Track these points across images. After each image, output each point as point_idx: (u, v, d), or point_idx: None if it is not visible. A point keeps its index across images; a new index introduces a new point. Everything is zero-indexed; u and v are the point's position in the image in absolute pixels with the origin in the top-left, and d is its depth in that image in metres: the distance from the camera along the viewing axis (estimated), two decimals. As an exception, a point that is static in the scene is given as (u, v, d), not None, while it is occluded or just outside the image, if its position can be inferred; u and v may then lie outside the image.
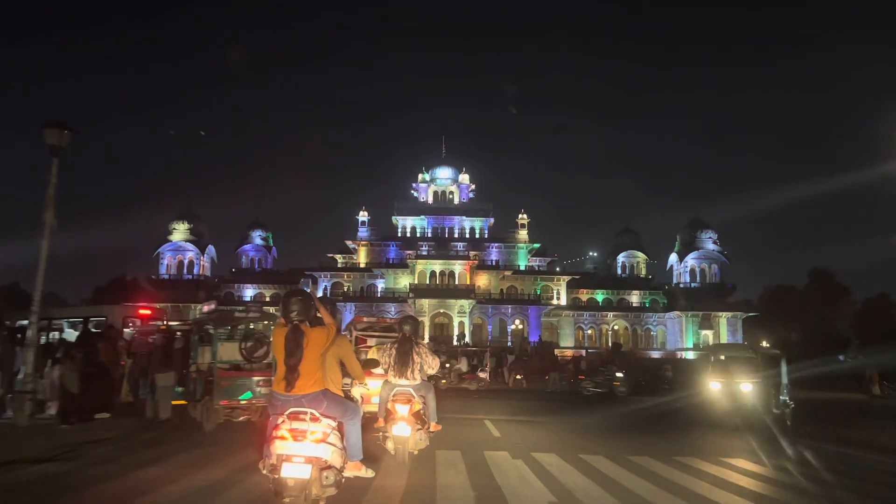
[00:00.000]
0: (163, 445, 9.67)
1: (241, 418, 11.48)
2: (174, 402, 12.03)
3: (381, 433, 7.92)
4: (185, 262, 72.92)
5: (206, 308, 11.81)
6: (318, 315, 5.21)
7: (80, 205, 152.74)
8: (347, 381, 6.63)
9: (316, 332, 5.08)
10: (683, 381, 31.29)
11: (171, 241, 72.69)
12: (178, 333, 13.05)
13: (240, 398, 11.22)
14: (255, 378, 11.43)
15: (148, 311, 20.21)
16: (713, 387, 16.79)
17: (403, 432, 7.58)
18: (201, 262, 72.95)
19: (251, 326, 12.88)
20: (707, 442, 11.67)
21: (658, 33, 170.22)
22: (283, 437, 4.88)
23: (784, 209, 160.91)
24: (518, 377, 28.56)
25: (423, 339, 13.77)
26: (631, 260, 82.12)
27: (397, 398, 7.77)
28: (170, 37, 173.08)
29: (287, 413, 4.96)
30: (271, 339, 6.35)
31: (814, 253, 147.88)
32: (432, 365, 8.08)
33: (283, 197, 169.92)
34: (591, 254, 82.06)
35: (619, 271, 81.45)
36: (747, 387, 15.45)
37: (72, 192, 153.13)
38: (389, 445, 7.79)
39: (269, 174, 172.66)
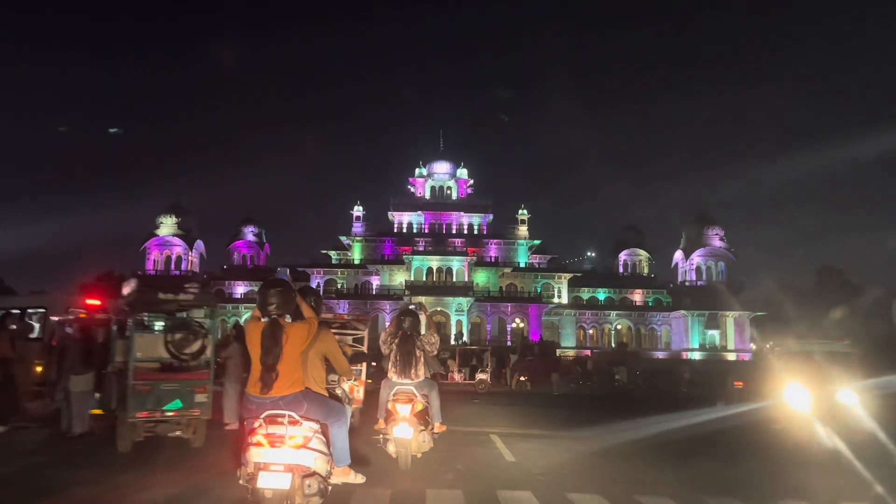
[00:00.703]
0: (60, 470, 7.31)
1: (171, 434, 8.89)
2: (93, 412, 9.40)
3: (381, 435, 7.45)
4: (173, 257, 70.27)
5: (125, 288, 8.96)
6: (299, 309, 4.69)
7: (69, 199, 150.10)
8: (334, 377, 6.18)
9: (296, 328, 4.58)
10: (703, 384, 28.80)
11: (157, 235, 69.90)
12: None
13: (165, 408, 8.61)
14: (189, 381, 8.79)
15: (97, 301, 17.28)
16: (794, 394, 12.42)
17: (405, 434, 7.09)
18: (189, 258, 70.27)
19: (185, 315, 10.13)
20: (809, 481, 8.20)
21: (665, 22, 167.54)
22: (258, 444, 4.44)
23: (793, 204, 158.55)
24: (522, 379, 26.03)
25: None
26: (633, 258, 79.76)
27: (398, 398, 7.29)
28: (158, 28, 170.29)
29: (263, 417, 4.49)
30: (232, 336, 5.65)
31: (824, 249, 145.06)
32: (433, 343, 7.59)
33: (277, 192, 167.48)
34: (588, 254, 79.40)
35: (621, 269, 79.09)
36: (850, 396, 11.44)
37: (60, 185, 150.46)
38: (391, 448, 7.30)
39: (263, 168, 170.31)
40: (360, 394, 10.86)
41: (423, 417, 7.41)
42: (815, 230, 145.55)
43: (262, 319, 4.55)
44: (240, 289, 75.05)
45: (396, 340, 7.48)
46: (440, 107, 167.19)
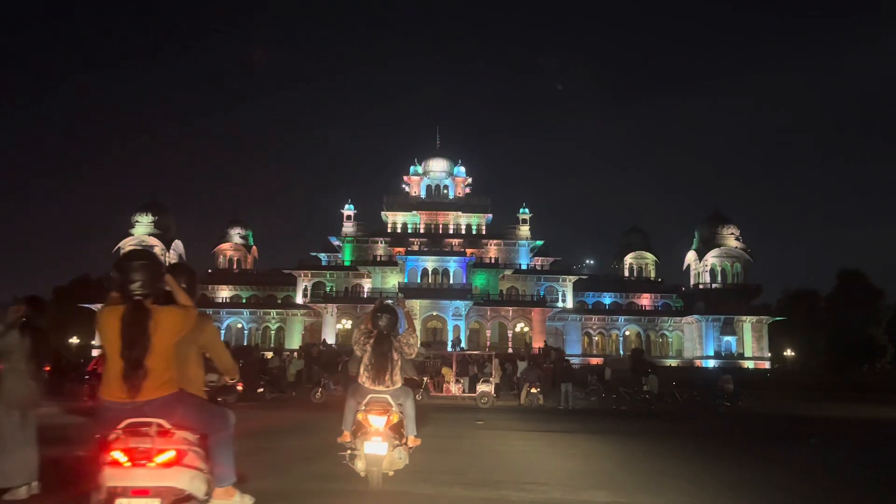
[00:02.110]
0: None
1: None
2: None
3: (348, 451, 6.33)
4: (149, 258, 65.27)
5: None
6: (169, 290, 3.71)
7: (42, 200, 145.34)
8: (214, 377, 4.64)
9: (167, 314, 3.60)
10: (747, 397, 24.16)
11: (132, 235, 65.12)
12: None
13: None
14: None
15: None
16: None
17: (378, 450, 6.07)
18: (167, 259, 65.30)
19: None
20: None
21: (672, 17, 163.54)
22: (116, 463, 3.35)
23: (809, 203, 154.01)
24: (533, 391, 21.34)
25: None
26: (640, 261, 75.81)
27: (371, 408, 6.17)
28: (146, 26, 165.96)
29: (123, 427, 3.43)
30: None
31: (843, 251, 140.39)
32: (411, 345, 6.46)
33: (266, 192, 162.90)
34: (587, 262, 74.72)
35: (627, 273, 74.87)
36: None
37: (35, 186, 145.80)
38: (359, 466, 6.22)
39: (250, 168, 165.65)
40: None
41: (399, 430, 6.39)
42: (836, 231, 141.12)
43: (122, 303, 3.56)
44: (224, 293, 70.82)
45: (371, 341, 6.45)
46: (436, 102, 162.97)
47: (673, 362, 61.46)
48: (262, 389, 21.37)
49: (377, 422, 6.15)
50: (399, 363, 6.42)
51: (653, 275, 75.39)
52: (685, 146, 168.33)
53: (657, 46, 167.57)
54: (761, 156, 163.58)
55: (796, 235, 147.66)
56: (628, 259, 75.63)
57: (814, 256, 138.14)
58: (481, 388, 21.14)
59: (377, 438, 6.10)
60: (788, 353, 67.67)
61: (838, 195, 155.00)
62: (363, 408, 6.27)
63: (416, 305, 60.08)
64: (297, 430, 13.20)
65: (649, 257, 76.09)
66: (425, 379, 22.41)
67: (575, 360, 53.15)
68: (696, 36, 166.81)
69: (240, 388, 20.17)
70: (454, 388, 22.22)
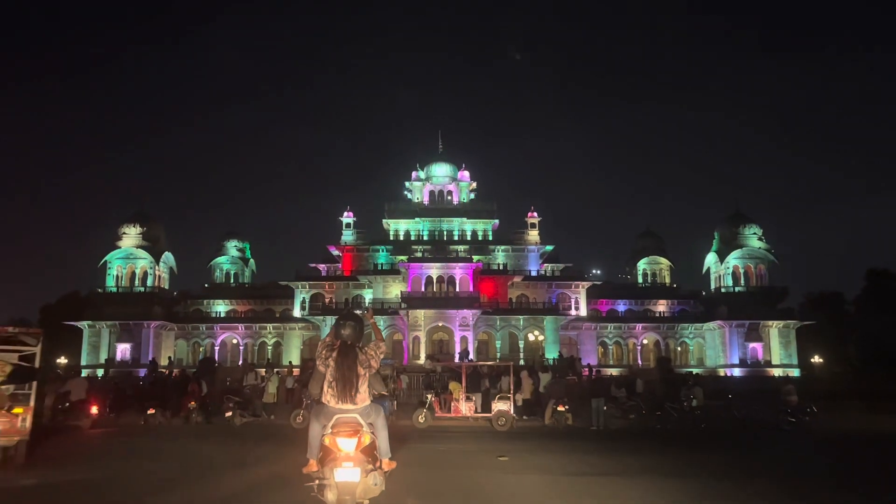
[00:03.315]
0: None
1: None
2: None
3: (316, 481, 5.63)
4: (137, 272, 61.80)
5: None
6: None
7: (27, 215, 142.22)
8: None
9: None
10: (810, 410, 20.30)
11: (119, 247, 61.54)
12: None
13: None
14: None
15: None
16: None
17: (350, 477, 5.46)
18: (157, 272, 61.83)
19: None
20: None
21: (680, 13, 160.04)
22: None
23: (829, 201, 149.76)
24: (561, 409, 17.62)
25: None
26: (653, 266, 72.02)
27: (339, 430, 5.61)
28: (131, 25, 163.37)
29: None
30: None
31: (868, 251, 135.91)
32: (379, 357, 5.92)
33: (263, 203, 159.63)
34: (594, 271, 70.69)
35: (640, 280, 71.02)
36: None
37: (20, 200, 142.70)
38: (330, 497, 5.50)
39: (246, 179, 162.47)
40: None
41: (371, 453, 5.71)
42: (859, 231, 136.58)
43: None
44: (221, 308, 67.42)
45: (334, 354, 5.78)
46: (438, 105, 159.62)
47: (695, 371, 57.46)
48: (230, 413, 17.72)
49: (347, 445, 5.62)
50: (366, 377, 5.85)
51: (667, 280, 71.55)
52: (697, 147, 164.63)
53: (665, 45, 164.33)
54: (777, 154, 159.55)
55: (816, 235, 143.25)
56: (641, 265, 71.83)
57: (836, 257, 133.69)
58: (498, 406, 17.41)
59: (348, 464, 5.55)
60: (816, 359, 63.72)
61: (861, 192, 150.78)
62: (329, 430, 5.70)
63: (420, 315, 56.35)
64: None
65: (664, 262, 72.30)
66: (429, 397, 18.69)
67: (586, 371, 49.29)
68: (704, 32, 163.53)
69: (94, 410, 16.75)
70: (464, 407, 18.45)
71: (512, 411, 17.80)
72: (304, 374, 34.26)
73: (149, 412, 18.43)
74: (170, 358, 48.49)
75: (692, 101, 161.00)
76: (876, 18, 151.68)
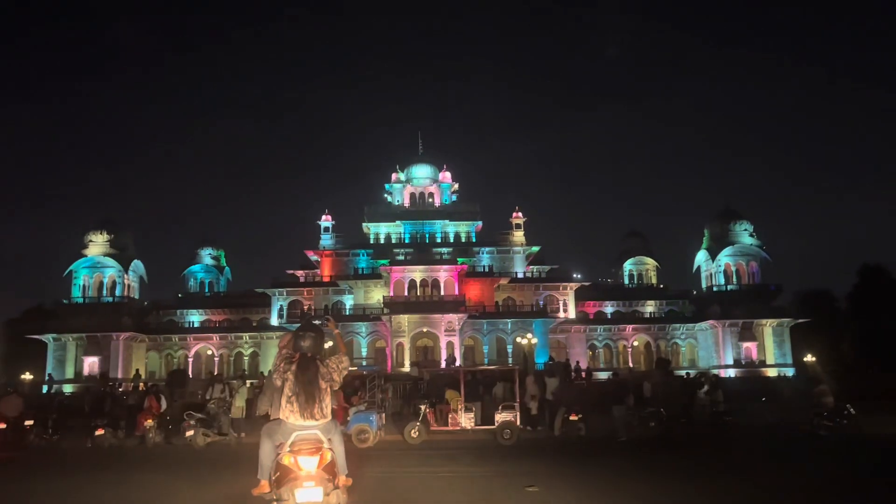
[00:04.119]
0: None
1: None
2: None
3: (272, 503, 5.33)
4: (105, 281, 58.80)
5: None
6: None
7: None
8: None
9: None
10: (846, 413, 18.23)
11: (86, 255, 58.54)
12: None
13: None
14: None
15: None
16: None
17: (314, 497, 5.17)
18: (125, 281, 58.87)
19: None
20: None
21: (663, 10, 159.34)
22: None
23: (816, 197, 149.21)
24: (573, 418, 15.41)
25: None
26: (640, 267, 70.43)
27: (300, 447, 5.30)
28: (90, 28, 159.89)
29: None
30: None
31: (866, 245, 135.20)
32: (342, 370, 5.60)
33: (237, 210, 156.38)
34: (575, 275, 68.48)
35: (626, 281, 69.30)
36: None
37: None
38: None
39: (219, 184, 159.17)
40: None
41: (332, 471, 5.38)
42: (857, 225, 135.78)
43: None
44: (195, 317, 64.57)
45: (293, 367, 5.48)
46: (418, 106, 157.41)
47: (686, 373, 55.64)
48: (191, 432, 15.28)
49: (308, 464, 5.25)
50: (328, 392, 5.57)
51: (654, 281, 69.94)
52: (681, 147, 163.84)
53: (649, 42, 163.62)
54: (762, 152, 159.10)
55: (803, 233, 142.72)
56: (628, 265, 70.15)
57: (824, 254, 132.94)
58: (502, 417, 15.14)
59: (309, 484, 5.20)
60: (809, 358, 62.22)
61: (849, 189, 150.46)
62: (288, 448, 5.34)
63: (404, 321, 53.95)
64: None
65: (650, 263, 70.70)
66: (423, 408, 16.38)
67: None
68: (689, 27, 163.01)
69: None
70: (464, 419, 16.15)
71: (518, 421, 15.57)
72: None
73: (97, 433, 15.96)
74: (137, 371, 45.73)
75: (676, 100, 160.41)
76: (867, 14, 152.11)
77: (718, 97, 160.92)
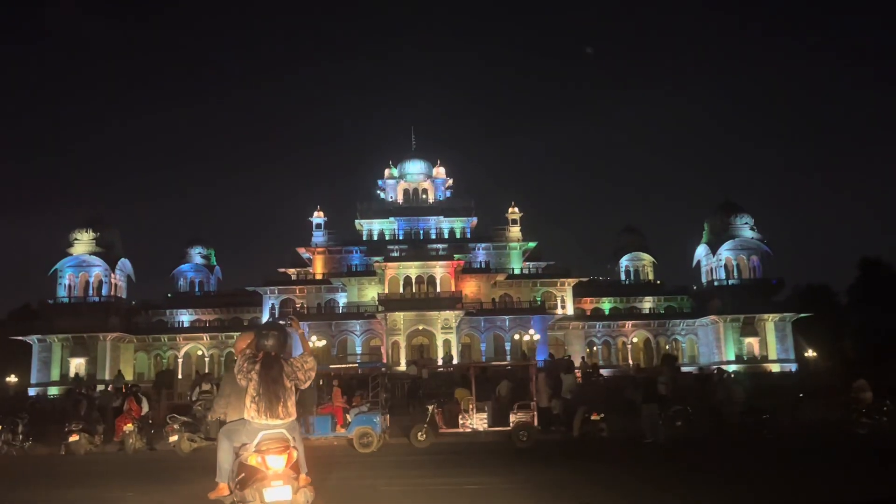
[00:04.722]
0: None
1: None
2: None
3: None
4: (92, 280, 57.15)
5: None
6: None
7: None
8: None
9: None
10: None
11: (71, 254, 56.87)
12: None
13: None
14: None
15: None
16: None
17: (283, 496, 5.12)
18: (112, 280, 57.21)
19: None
20: None
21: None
22: None
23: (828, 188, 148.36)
24: (595, 418, 14.12)
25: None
26: (636, 263, 69.44)
27: (267, 447, 5.23)
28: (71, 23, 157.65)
29: None
30: None
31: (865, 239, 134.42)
32: (309, 370, 5.54)
33: (228, 207, 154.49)
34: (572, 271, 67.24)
35: (623, 277, 68.19)
36: None
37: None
38: None
39: (210, 183, 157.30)
40: None
41: (297, 470, 5.36)
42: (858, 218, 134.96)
43: None
44: (185, 317, 63.01)
45: (257, 366, 5.42)
46: (410, 100, 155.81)
47: (687, 369, 54.49)
48: (174, 437, 13.90)
49: (276, 462, 5.21)
50: (293, 391, 5.51)
51: (651, 277, 68.88)
52: (678, 142, 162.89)
53: (645, 37, 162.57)
54: (760, 146, 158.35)
55: (801, 227, 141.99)
56: (624, 261, 69.07)
57: (823, 249, 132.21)
58: (517, 417, 13.80)
59: (278, 483, 5.16)
60: (810, 353, 61.29)
61: (848, 182, 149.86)
62: (253, 448, 5.30)
63: (400, 318, 52.59)
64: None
65: (646, 258, 69.71)
66: (430, 408, 15.01)
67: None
68: (685, 20, 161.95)
69: None
70: (476, 421, 14.78)
71: (536, 422, 14.26)
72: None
73: (71, 439, 14.56)
74: (119, 371, 44.18)
75: (674, 94, 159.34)
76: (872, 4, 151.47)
77: (716, 91, 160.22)
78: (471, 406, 14.74)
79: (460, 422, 14.70)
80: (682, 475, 9.73)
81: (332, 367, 19.18)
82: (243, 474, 5.23)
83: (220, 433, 5.54)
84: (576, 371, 18.26)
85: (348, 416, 14.65)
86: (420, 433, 14.44)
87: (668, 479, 9.36)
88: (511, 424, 14.27)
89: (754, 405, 15.96)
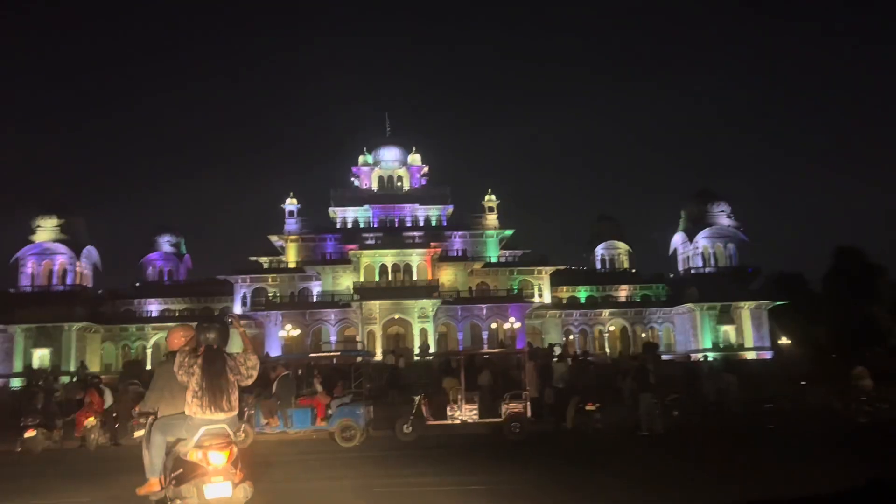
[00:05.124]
0: None
1: None
2: None
3: (172, 502, 5.08)
4: (56, 268, 55.31)
5: None
6: None
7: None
8: None
9: None
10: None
11: (34, 241, 54.95)
12: None
13: None
14: None
15: None
16: None
17: (223, 492, 5.01)
18: (77, 269, 55.43)
19: None
20: None
21: None
22: None
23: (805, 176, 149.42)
24: (590, 408, 13.36)
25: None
26: (611, 251, 69.25)
27: (210, 442, 5.16)
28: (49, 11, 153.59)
29: None
30: None
31: (841, 227, 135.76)
32: (250, 367, 5.45)
33: (197, 195, 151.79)
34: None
35: (598, 265, 67.89)
36: None
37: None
38: None
39: (178, 168, 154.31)
40: None
41: (237, 466, 5.24)
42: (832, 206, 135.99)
43: None
44: (154, 307, 61.37)
45: (199, 360, 5.28)
46: (385, 85, 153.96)
47: (664, 357, 54.28)
48: (139, 432, 12.78)
49: (218, 458, 5.10)
50: (236, 385, 5.40)
51: (626, 265, 68.63)
52: (652, 131, 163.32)
53: (622, 26, 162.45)
54: (737, 135, 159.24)
55: (775, 216, 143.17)
56: (599, 250, 68.75)
57: (796, 237, 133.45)
58: (511, 407, 12.98)
59: (218, 479, 5.04)
60: (784, 340, 61.56)
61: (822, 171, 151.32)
62: (193, 444, 5.18)
63: (376, 307, 51.61)
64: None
65: (622, 247, 69.55)
66: (417, 399, 14.11)
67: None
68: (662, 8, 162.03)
69: None
70: (465, 412, 13.92)
71: (526, 410, 13.44)
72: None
73: (27, 434, 13.45)
74: (82, 362, 42.71)
75: (650, 84, 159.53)
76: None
77: (692, 81, 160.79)
78: (460, 396, 13.90)
79: (448, 413, 13.86)
80: (697, 470, 8.98)
81: (311, 355, 18.15)
82: (181, 469, 5.10)
83: (153, 427, 5.44)
84: (568, 359, 17.39)
85: (329, 409, 13.74)
86: (406, 426, 13.56)
87: (683, 476, 8.61)
88: (503, 415, 13.45)
89: (757, 394, 15.31)
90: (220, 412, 5.17)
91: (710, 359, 29.87)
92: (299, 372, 15.23)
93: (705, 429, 13.49)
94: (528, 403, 13.57)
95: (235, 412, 5.38)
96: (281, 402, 13.56)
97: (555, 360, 17.20)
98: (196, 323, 5.62)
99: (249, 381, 5.53)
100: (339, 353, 19.43)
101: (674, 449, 11.39)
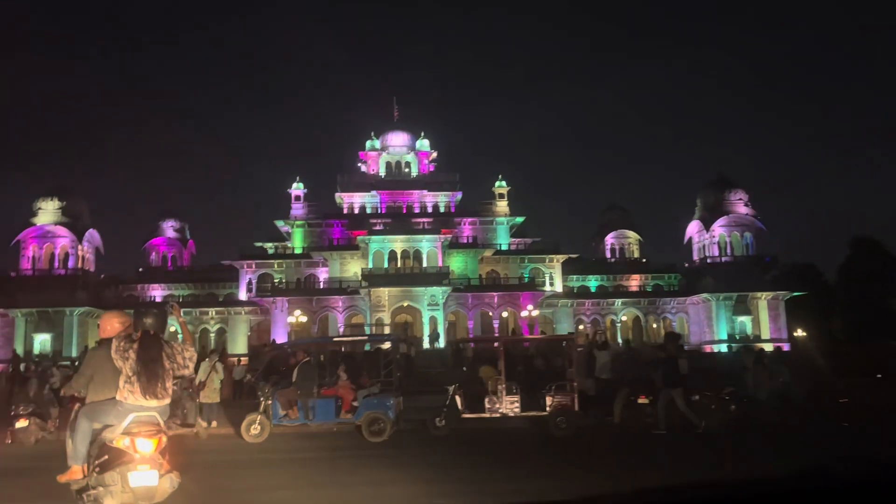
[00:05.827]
0: None
1: None
2: None
3: (90, 491, 4.98)
4: (57, 252, 54.12)
5: None
6: None
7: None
8: None
9: None
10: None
11: (35, 224, 53.72)
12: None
13: None
14: None
15: None
16: None
17: (149, 481, 4.92)
18: (80, 252, 54.22)
19: None
20: None
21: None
22: None
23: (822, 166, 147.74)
24: (643, 401, 12.08)
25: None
26: (621, 240, 67.77)
27: (139, 429, 5.09)
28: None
29: None
30: None
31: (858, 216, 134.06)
32: (188, 358, 5.43)
33: (202, 179, 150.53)
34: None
35: (608, 254, 66.53)
36: None
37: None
38: None
39: (184, 154, 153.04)
40: None
41: (165, 455, 5.21)
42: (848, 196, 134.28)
43: None
44: (157, 293, 60.15)
45: (135, 345, 5.20)
46: (393, 69, 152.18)
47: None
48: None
49: (145, 446, 5.02)
50: (171, 373, 5.33)
51: (636, 254, 67.28)
52: (670, 115, 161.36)
53: (637, 5, 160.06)
54: (753, 123, 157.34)
55: (790, 205, 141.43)
56: (609, 239, 67.36)
57: (812, 227, 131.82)
58: (554, 400, 11.67)
59: (144, 467, 4.95)
60: (799, 332, 60.30)
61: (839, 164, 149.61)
62: (121, 430, 5.08)
63: (384, 294, 50.36)
64: None
65: (632, 236, 68.12)
66: (450, 389, 12.80)
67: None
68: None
69: None
70: (506, 404, 12.60)
71: (573, 404, 12.15)
72: (253, 361, 28.30)
73: (18, 425, 12.25)
74: (87, 347, 41.49)
75: (666, 66, 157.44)
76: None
77: (709, 66, 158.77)
78: (500, 387, 12.57)
79: (487, 406, 12.55)
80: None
81: (336, 338, 16.85)
82: (106, 456, 5.01)
83: (80, 413, 5.30)
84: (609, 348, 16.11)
85: (355, 400, 12.47)
86: (439, 419, 12.28)
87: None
88: (547, 409, 12.16)
89: (829, 387, 14.01)
90: (153, 399, 5.09)
91: (763, 350, 28.54)
92: (322, 358, 13.95)
93: (773, 426, 12.19)
94: (576, 396, 12.31)
95: (168, 400, 5.32)
96: (302, 391, 12.32)
97: (596, 349, 15.90)
98: (133, 310, 5.47)
99: (186, 371, 5.51)
100: (366, 337, 18.08)
101: (741, 448, 10.11)
